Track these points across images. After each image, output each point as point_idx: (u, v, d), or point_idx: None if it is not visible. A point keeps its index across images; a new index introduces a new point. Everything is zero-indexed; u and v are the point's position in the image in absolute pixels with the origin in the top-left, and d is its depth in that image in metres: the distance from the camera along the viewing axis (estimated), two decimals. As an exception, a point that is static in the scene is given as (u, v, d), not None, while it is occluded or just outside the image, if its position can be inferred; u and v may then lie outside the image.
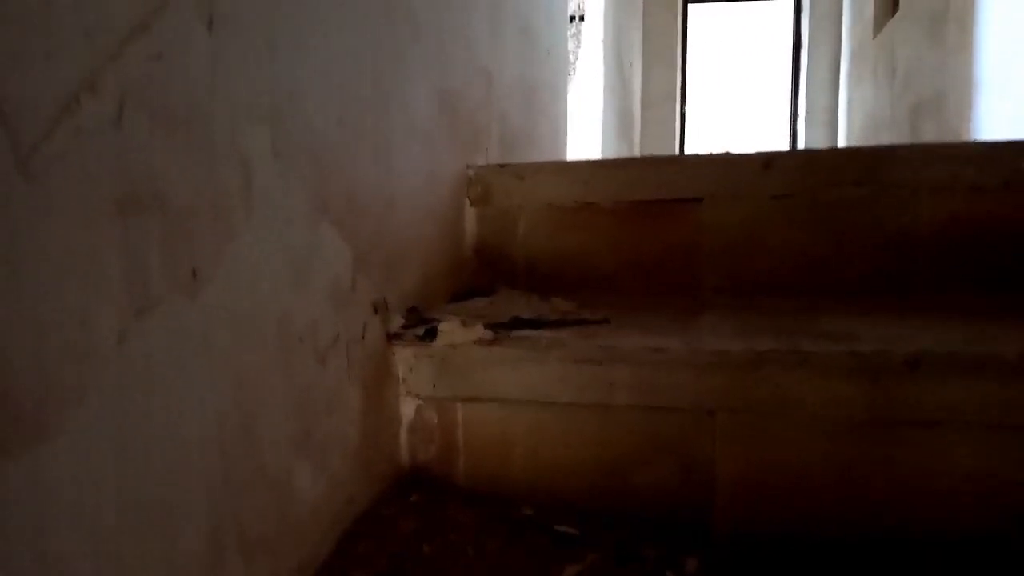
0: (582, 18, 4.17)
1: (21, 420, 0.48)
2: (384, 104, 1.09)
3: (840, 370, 0.94)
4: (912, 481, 0.94)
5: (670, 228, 1.42)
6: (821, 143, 8.62)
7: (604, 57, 4.16)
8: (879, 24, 6.99)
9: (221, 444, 0.69)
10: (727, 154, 1.40)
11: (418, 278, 1.24)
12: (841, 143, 8.12)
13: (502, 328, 1.15)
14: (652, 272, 1.42)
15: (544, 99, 2.44)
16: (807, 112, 8.74)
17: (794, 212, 1.37)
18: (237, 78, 0.71)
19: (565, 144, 3.07)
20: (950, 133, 4.70)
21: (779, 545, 0.97)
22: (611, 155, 4.61)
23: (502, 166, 1.51)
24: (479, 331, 1.10)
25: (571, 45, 4.20)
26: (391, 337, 1.10)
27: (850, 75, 7.88)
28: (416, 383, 1.09)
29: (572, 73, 4.19)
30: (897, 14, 6.37)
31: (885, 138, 6.55)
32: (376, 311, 1.06)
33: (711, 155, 1.41)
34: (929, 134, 5.48)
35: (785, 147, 9.54)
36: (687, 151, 8.72)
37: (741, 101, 14.41)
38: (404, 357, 1.10)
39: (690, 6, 8.45)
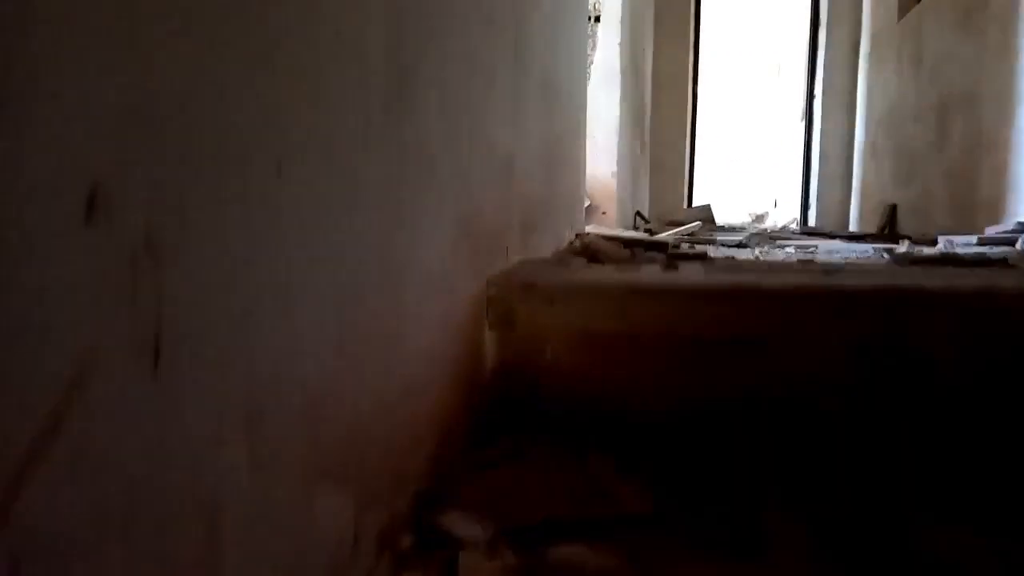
0: (598, 19, 3.91)
1: None
2: (395, 289, 0.88)
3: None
4: None
5: (722, 374, 1.22)
6: (838, 127, 8.34)
7: (620, 56, 3.90)
8: (904, 6, 6.66)
9: None
10: (796, 288, 1.19)
11: (430, 446, 1.05)
12: (859, 130, 7.84)
13: (532, 546, 0.95)
14: (703, 429, 1.22)
15: (565, 145, 2.22)
16: (824, 94, 8.43)
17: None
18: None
19: (584, 179, 2.85)
20: (983, 135, 4.46)
21: None
22: (626, 154, 4.36)
23: (528, 287, 1.31)
24: (507, 558, 0.91)
25: (587, 47, 3.94)
26: (399, 568, 0.91)
27: (871, 57, 7.55)
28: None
29: (587, 77, 3.95)
30: (924, 0, 6.06)
31: (909, 131, 6.28)
32: (382, 546, 0.86)
33: (773, 288, 1.21)
34: (958, 133, 5.23)
35: (795, 134, 9.25)
36: (697, 140, 8.45)
37: (756, 82, 14.06)
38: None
39: (705, -18, 8.10)
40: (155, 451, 0.46)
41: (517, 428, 1.27)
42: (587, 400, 1.27)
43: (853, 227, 7.84)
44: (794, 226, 9.98)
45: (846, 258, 2.63)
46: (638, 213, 5.75)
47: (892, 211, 6.54)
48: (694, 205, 8.53)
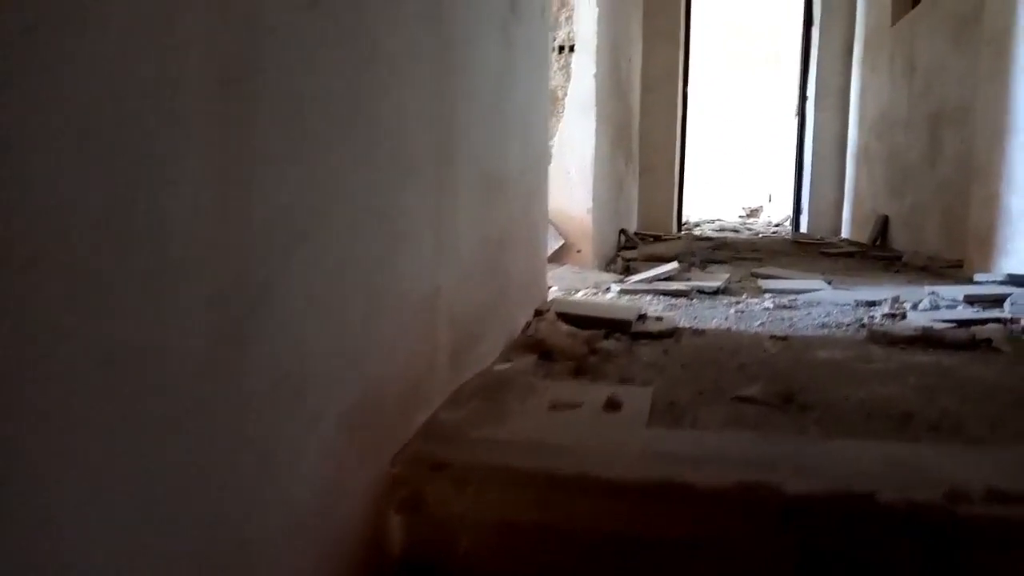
0: (572, 48, 3.73)
1: None
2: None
3: None
4: None
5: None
6: (830, 129, 8.15)
7: (597, 89, 3.72)
8: (897, 11, 6.45)
9: None
10: (732, 489, 1.05)
11: None
12: (852, 133, 7.64)
13: None
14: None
15: (518, 224, 2.06)
16: (817, 95, 8.23)
17: None
18: None
19: (545, 239, 2.69)
20: (974, 157, 4.28)
21: None
22: (603, 188, 4.17)
23: (437, 466, 1.16)
24: None
25: (560, 79, 3.77)
26: None
27: (863, 60, 7.34)
28: None
29: (560, 112, 3.78)
30: (919, 7, 5.85)
31: (901, 139, 6.09)
32: None
33: (706, 488, 1.06)
34: (950, 148, 5.05)
35: (792, 128, 9.04)
36: (688, 141, 8.26)
37: (754, 70, 13.83)
38: None
39: (695, -20, 7.87)
40: None
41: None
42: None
43: (846, 232, 7.67)
44: (787, 225, 9.82)
45: (824, 323, 2.51)
46: (622, 231, 5.59)
47: (884, 223, 6.37)
48: (682, 212, 8.37)
